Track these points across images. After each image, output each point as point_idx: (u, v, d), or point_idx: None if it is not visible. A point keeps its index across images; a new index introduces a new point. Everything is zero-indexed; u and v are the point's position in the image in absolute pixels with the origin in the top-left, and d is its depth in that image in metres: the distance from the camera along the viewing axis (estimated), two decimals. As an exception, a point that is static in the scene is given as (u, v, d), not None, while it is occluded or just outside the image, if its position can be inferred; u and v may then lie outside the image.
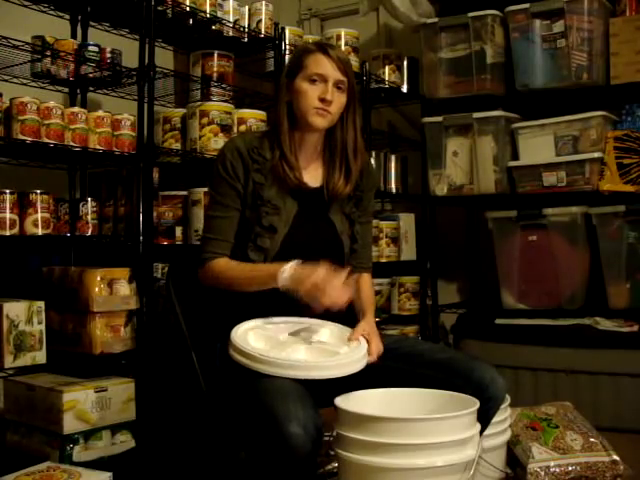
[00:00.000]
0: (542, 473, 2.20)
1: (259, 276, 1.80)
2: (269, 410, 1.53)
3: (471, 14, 3.35)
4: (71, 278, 2.34)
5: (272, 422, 1.50)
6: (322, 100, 1.84)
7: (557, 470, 2.20)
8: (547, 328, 3.17)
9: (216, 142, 2.66)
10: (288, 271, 1.71)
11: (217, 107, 2.70)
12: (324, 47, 1.88)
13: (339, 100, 1.88)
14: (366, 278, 2.07)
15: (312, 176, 1.94)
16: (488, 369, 1.78)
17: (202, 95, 2.87)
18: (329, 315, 1.85)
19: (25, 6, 2.52)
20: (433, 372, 1.80)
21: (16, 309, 2.09)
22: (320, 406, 1.62)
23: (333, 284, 1.66)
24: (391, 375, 1.82)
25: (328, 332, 1.80)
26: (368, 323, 1.88)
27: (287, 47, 3.04)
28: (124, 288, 2.34)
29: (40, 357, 2.15)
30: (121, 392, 2.32)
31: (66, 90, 2.74)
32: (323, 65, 1.85)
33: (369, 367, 1.80)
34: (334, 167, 1.94)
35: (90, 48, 2.53)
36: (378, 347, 1.81)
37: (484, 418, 1.66)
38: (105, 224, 2.53)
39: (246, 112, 2.81)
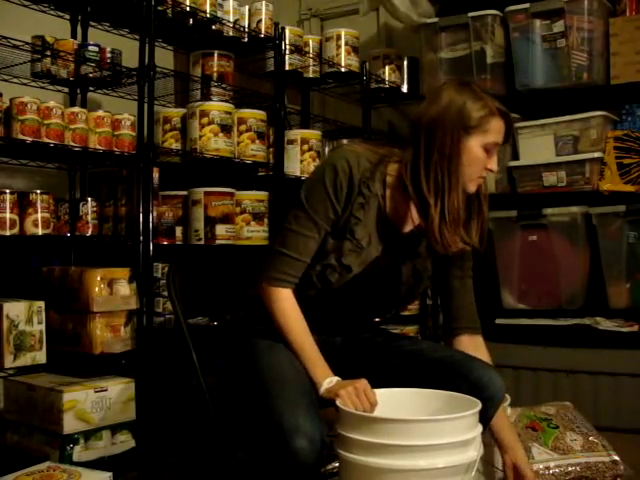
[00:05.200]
0: (542, 473, 2.19)
1: (305, 360, 1.69)
2: (277, 420, 1.51)
3: (471, 14, 3.34)
4: (71, 278, 2.34)
5: (279, 434, 1.49)
6: (490, 171, 1.73)
7: (557, 470, 2.20)
8: (547, 328, 3.17)
9: (216, 142, 2.66)
10: (334, 383, 1.65)
11: (217, 107, 2.69)
12: (508, 115, 1.72)
13: None
14: (480, 344, 1.90)
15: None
16: (487, 369, 1.77)
17: (202, 95, 2.87)
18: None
19: (25, 6, 2.51)
20: (432, 370, 1.79)
21: (16, 309, 2.09)
22: (323, 405, 1.62)
23: (367, 391, 1.60)
24: (392, 373, 1.82)
25: None
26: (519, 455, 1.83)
27: (287, 47, 3.04)
28: (124, 288, 2.34)
29: (40, 357, 2.15)
30: (121, 392, 2.32)
31: (66, 90, 2.74)
32: (502, 135, 1.72)
33: (370, 365, 1.82)
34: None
35: (90, 48, 2.53)
36: None
37: (483, 418, 1.65)
38: (105, 224, 2.53)
39: (246, 112, 2.81)
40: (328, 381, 1.65)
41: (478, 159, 1.70)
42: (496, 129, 1.70)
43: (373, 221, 1.76)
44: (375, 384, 1.69)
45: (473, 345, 1.89)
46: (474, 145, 1.69)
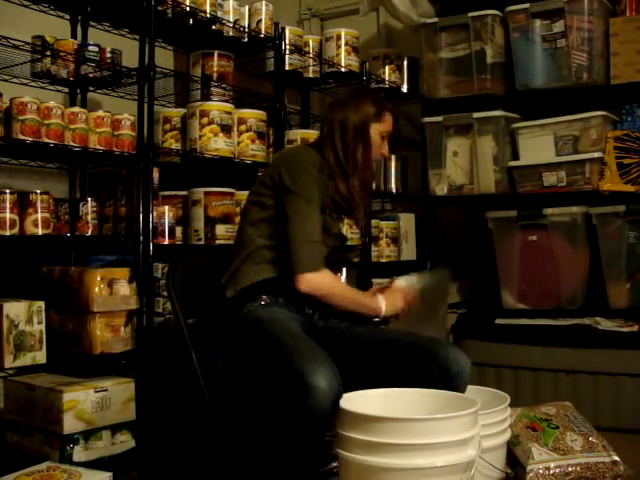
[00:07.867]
0: (542, 474, 2.19)
1: (364, 305, 2.06)
2: (296, 365, 1.59)
3: (471, 14, 3.34)
4: (71, 278, 2.34)
5: (298, 376, 1.56)
6: (383, 157, 2.19)
7: (557, 471, 2.20)
8: (547, 328, 3.17)
9: (216, 142, 2.66)
10: (385, 304, 2.07)
11: (217, 107, 2.70)
12: (395, 111, 2.19)
13: None
14: None
15: None
16: (451, 347, 1.90)
17: (202, 95, 2.87)
18: None
19: (25, 6, 2.52)
20: (403, 356, 1.89)
21: (16, 309, 2.09)
22: None
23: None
24: (368, 363, 1.94)
25: None
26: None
27: (287, 47, 3.04)
28: (124, 288, 2.34)
29: (40, 357, 2.15)
30: (121, 392, 2.32)
31: (66, 90, 2.74)
32: (392, 125, 2.17)
33: (348, 356, 1.92)
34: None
35: (90, 48, 2.53)
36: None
37: None
38: (105, 224, 2.53)
39: (246, 112, 2.81)
40: (380, 299, 2.08)
41: (376, 144, 2.13)
42: (388, 121, 2.14)
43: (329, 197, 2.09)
44: (354, 372, 1.82)
45: None
46: (373, 132, 2.11)
